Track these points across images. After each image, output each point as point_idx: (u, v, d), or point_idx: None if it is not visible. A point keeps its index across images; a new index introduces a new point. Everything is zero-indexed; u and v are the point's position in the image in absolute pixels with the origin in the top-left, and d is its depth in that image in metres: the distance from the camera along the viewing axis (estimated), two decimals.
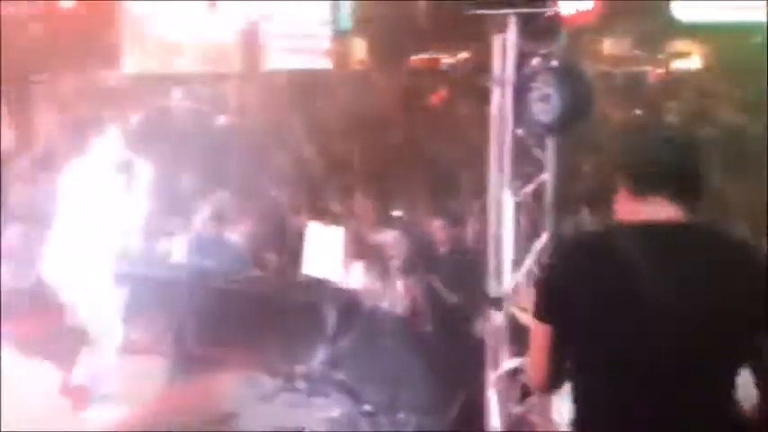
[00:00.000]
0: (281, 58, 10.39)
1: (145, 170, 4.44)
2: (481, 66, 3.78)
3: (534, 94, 3.40)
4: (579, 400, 1.98)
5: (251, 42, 10.31)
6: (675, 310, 1.81)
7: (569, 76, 3.44)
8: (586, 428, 1.97)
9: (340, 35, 10.86)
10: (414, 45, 11.21)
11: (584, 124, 3.61)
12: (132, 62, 9.74)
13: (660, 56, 10.94)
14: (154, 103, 10.26)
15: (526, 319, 2.75)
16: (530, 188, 3.82)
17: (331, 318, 4.93)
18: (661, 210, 1.89)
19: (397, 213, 4.08)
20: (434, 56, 11.75)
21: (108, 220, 4.30)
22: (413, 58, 11.60)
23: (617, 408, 1.89)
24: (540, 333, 1.98)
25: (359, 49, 11.92)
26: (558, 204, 3.78)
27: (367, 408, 4.56)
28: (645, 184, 1.90)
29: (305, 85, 9.42)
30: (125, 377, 5.00)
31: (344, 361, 4.86)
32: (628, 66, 10.79)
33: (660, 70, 10.85)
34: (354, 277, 5.18)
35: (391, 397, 4.35)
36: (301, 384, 4.87)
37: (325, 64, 10.47)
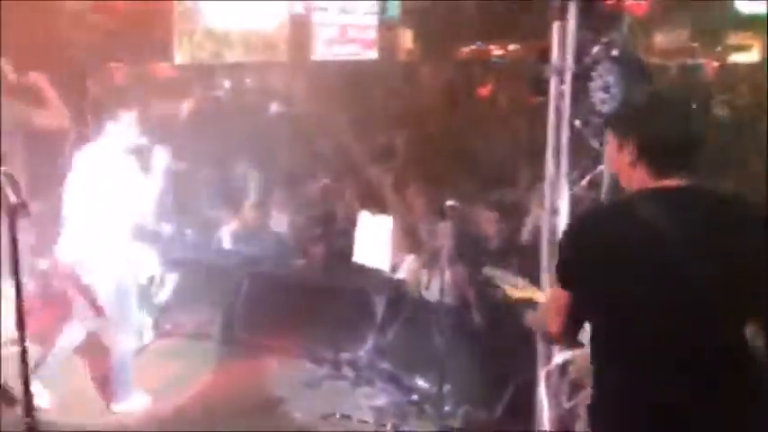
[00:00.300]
0: (330, 47, 10.41)
1: (160, 156, 4.38)
2: (540, 56, 3.70)
3: (594, 84, 3.33)
4: (600, 363, 2.07)
5: (299, 32, 10.35)
6: (698, 264, 1.90)
7: (631, 66, 3.37)
8: (609, 389, 2.05)
9: (388, 25, 10.82)
10: (463, 35, 11.10)
11: None
12: (183, 53, 9.88)
13: (718, 48, 10.66)
14: (204, 94, 10.40)
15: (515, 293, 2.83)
16: (586, 180, 3.75)
17: (379, 307, 4.93)
18: (672, 181, 2.00)
19: (450, 203, 4.04)
20: (484, 47, 11.63)
21: (119, 205, 4.20)
22: (462, 49, 11.51)
23: (639, 365, 1.97)
24: (559, 295, 2.09)
25: (407, 39, 11.87)
26: (614, 196, 3.70)
27: (413, 398, 4.56)
28: (665, 168, 1.99)
29: (354, 74, 9.42)
30: (173, 361, 5.10)
31: (391, 350, 4.86)
32: (684, 58, 10.53)
33: (717, 63, 10.56)
34: (403, 267, 5.16)
35: (438, 388, 4.32)
36: (348, 372, 4.89)
37: (373, 54, 10.45)
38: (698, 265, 1.90)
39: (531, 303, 2.82)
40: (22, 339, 2.52)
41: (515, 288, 2.76)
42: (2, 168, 2.57)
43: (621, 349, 2.00)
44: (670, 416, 1.94)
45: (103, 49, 9.10)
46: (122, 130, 4.28)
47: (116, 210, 4.20)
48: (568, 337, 2.15)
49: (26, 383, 2.52)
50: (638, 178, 2.01)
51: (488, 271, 2.93)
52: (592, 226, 2.10)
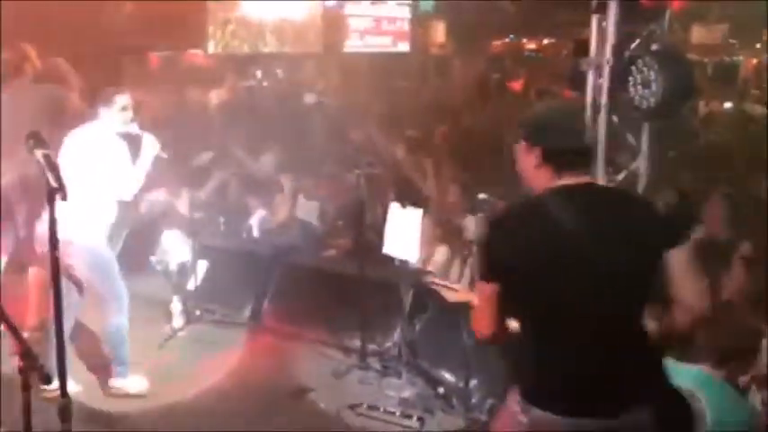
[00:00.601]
0: (362, 39, 10.43)
1: (149, 142, 4.34)
2: (576, 50, 3.65)
3: (634, 79, 3.27)
4: (527, 350, 2.29)
5: (332, 24, 10.38)
6: (605, 254, 2.17)
7: (672, 60, 3.30)
8: (539, 374, 2.27)
9: (421, 18, 10.80)
10: (496, 29, 11.02)
11: (683, 110, 3.46)
12: (216, 42, 9.96)
13: (757, 45, 10.42)
14: (236, 83, 10.46)
15: (451, 296, 3.01)
16: (622, 174, 3.70)
17: (407, 299, 4.92)
18: (575, 178, 2.27)
19: (482, 196, 4.02)
20: (517, 40, 11.53)
21: (103, 186, 4.17)
22: (495, 42, 11.42)
23: (561, 350, 2.22)
24: (484, 290, 2.30)
25: (440, 32, 11.82)
26: (650, 192, 3.65)
27: (440, 390, 4.55)
28: (568, 165, 2.27)
29: (386, 66, 9.40)
30: (201, 347, 5.15)
31: (419, 342, 4.85)
32: (721, 54, 10.33)
33: (755, 60, 10.34)
34: (433, 260, 5.16)
35: (465, 381, 4.31)
36: (374, 363, 4.89)
37: (405, 47, 10.43)
38: (605, 250, 2.18)
39: (467, 306, 2.96)
40: (58, 318, 2.57)
41: (453, 292, 2.93)
42: (42, 152, 2.61)
43: (545, 330, 2.25)
44: (590, 383, 2.23)
45: (138, 36, 9.19)
46: (115, 113, 4.25)
47: (98, 190, 4.16)
48: (497, 333, 2.32)
49: (61, 361, 2.56)
50: (542, 177, 2.29)
51: (431, 276, 3.05)
52: (512, 221, 2.33)
